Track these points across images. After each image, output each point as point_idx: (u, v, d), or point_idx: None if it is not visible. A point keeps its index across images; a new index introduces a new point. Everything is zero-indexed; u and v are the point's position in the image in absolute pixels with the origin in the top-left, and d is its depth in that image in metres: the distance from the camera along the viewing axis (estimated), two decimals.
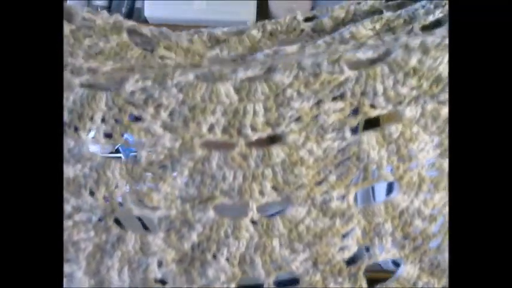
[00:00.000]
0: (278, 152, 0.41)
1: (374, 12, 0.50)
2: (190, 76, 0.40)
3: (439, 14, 0.46)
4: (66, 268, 0.43)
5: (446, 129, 0.41)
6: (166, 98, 0.40)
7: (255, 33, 0.51)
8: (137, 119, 0.41)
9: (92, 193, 0.42)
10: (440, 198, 0.43)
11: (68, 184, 0.41)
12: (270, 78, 0.40)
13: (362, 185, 0.42)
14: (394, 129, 0.41)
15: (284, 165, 0.41)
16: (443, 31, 0.44)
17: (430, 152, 0.42)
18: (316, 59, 0.40)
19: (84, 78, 0.41)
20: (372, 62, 0.40)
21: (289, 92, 0.40)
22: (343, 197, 0.42)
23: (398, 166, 0.42)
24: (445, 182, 0.42)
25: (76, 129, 0.41)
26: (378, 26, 0.47)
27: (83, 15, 0.46)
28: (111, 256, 0.43)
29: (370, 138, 0.41)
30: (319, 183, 0.42)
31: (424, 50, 0.40)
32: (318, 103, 0.40)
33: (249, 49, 0.50)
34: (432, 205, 0.43)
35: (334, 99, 0.40)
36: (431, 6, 0.46)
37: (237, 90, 0.40)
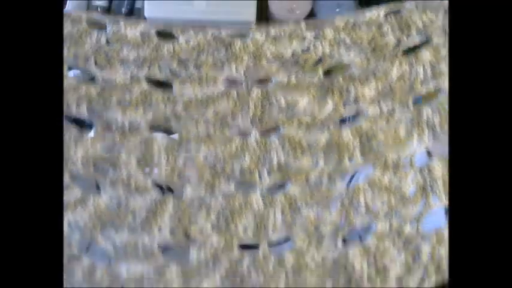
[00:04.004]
0: (288, 257, 0.52)
1: (373, 22, 0.56)
2: (232, 186, 0.53)
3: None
4: None
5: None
6: (214, 203, 0.53)
7: (259, 36, 0.54)
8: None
9: None
10: None
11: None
12: (286, 191, 0.54)
13: None
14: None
15: (294, 268, 0.52)
16: None
17: None
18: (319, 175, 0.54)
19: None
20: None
21: (298, 202, 0.53)
22: None
23: None
24: None
25: (150, 225, 0.53)
26: (380, 86, 0.55)
27: (102, 76, 0.55)
28: None
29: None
30: None
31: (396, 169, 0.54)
32: (319, 212, 0.53)
33: (254, 56, 0.56)
34: None
35: (330, 210, 0.53)
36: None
37: (263, 199, 0.53)
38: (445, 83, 0.55)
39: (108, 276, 0.52)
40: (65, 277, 0.52)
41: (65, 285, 0.51)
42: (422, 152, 0.55)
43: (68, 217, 0.53)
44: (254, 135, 0.56)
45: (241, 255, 0.53)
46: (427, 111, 0.55)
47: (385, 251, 0.53)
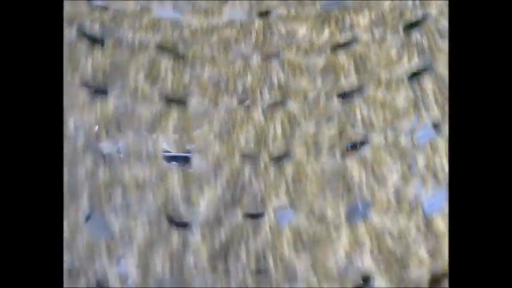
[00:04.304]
0: (288, 167, 0.53)
1: None
2: (234, 101, 0.56)
3: None
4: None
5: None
6: (217, 116, 0.55)
7: None
8: None
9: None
10: None
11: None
12: (286, 107, 0.56)
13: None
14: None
15: (294, 178, 0.53)
16: None
17: None
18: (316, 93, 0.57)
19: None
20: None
21: (298, 117, 0.55)
22: None
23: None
24: None
25: (154, 131, 0.54)
26: (373, 16, 0.60)
27: (114, 7, 0.59)
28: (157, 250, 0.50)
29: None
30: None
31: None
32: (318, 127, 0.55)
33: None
34: None
35: (328, 124, 0.56)
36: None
37: (264, 114, 0.55)
38: (432, 10, 0.61)
39: (110, 176, 0.53)
40: (66, 177, 0.52)
41: (65, 186, 0.51)
42: (413, 70, 0.59)
43: (74, 119, 0.54)
44: (256, 58, 0.59)
45: (243, 164, 0.54)
46: (415, 35, 0.60)
47: (382, 161, 0.55)
